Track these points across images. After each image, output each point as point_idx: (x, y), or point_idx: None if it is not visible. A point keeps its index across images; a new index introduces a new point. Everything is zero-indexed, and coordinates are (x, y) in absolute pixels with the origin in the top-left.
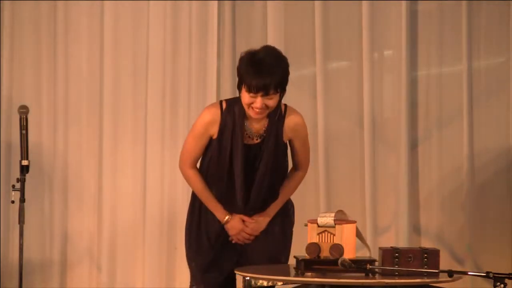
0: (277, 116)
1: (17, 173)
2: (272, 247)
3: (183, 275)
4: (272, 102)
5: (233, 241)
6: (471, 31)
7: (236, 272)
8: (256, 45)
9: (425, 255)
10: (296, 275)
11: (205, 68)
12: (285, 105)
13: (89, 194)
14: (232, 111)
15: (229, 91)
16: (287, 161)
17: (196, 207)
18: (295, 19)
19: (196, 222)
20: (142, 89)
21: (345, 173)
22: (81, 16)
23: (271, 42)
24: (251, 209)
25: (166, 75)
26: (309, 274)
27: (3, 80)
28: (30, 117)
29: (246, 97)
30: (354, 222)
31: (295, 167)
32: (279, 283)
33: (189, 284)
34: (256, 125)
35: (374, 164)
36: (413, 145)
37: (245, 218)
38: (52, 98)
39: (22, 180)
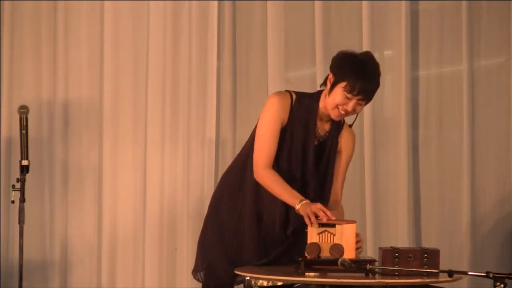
0: (337, 123)
1: (17, 173)
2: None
3: (183, 275)
4: (360, 108)
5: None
6: (471, 31)
7: (236, 272)
8: (256, 45)
9: (425, 255)
10: (296, 275)
11: (205, 68)
12: (344, 120)
13: (89, 194)
14: (303, 104)
15: (229, 91)
16: None
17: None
18: (295, 19)
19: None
20: (142, 89)
21: None
22: (81, 16)
23: (271, 42)
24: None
25: (166, 75)
26: (309, 274)
27: (3, 80)
28: (30, 117)
29: (340, 97)
30: (354, 222)
31: (336, 192)
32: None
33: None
34: (322, 126)
35: (374, 164)
36: (414, 145)
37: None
38: (52, 98)
39: (22, 180)
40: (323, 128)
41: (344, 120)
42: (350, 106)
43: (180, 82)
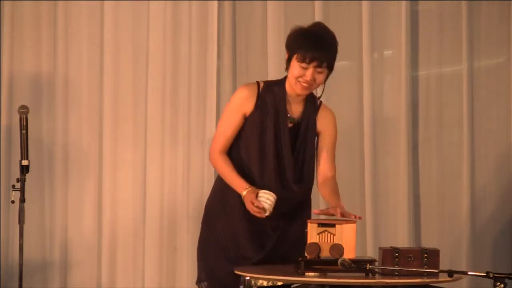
0: (313, 104)
1: (17, 173)
2: (293, 249)
3: (183, 275)
4: (321, 77)
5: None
6: (471, 31)
7: (236, 272)
8: (256, 45)
9: (425, 255)
10: (296, 275)
11: (205, 68)
12: (320, 100)
13: (89, 194)
14: (271, 91)
15: (229, 91)
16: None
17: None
18: (295, 19)
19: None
20: (142, 89)
21: (345, 173)
22: (81, 16)
23: (271, 42)
24: (305, 189)
25: (166, 75)
26: (309, 274)
27: (3, 80)
28: (30, 117)
29: (296, 69)
30: (354, 222)
31: (325, 170)
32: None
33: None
34: (294, 109)
35: (374, 164)
36: (413, 145)
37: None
38: (52, 98)
39: (22, 180)
40: (295, 110)
41: (320, 101)
42: (308, 75)
43: (180, 82)
